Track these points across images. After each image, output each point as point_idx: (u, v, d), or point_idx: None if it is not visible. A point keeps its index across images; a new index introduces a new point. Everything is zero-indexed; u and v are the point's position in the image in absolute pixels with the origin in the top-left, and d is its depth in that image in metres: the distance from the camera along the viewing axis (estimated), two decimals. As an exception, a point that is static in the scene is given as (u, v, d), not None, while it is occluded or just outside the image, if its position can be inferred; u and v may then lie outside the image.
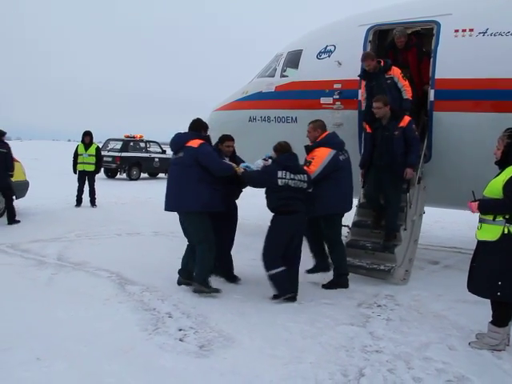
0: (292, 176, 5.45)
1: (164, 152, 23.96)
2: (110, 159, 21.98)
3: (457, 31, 6.81)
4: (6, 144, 9.75)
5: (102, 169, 18.30)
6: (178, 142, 5.70)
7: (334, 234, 6.19)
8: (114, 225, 9.80)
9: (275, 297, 5.44)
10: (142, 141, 23.22)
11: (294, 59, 8.44)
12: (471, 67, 6.72)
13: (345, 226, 6.73)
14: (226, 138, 6.02)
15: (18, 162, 10.89)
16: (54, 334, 4.34)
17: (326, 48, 7.97)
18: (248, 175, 5.65)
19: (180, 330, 4.52)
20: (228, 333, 4.49)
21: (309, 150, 6.14)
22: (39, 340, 4.18)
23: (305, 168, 5.76)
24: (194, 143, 5.53)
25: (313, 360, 4.00)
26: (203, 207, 5.47)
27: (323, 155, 5.96)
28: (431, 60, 6.94)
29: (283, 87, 8.43)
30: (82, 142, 12.69)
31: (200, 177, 5.43)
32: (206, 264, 5.53)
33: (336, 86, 7.69)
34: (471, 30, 6.73)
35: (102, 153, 23.95)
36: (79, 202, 12.38)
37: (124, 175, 22.60)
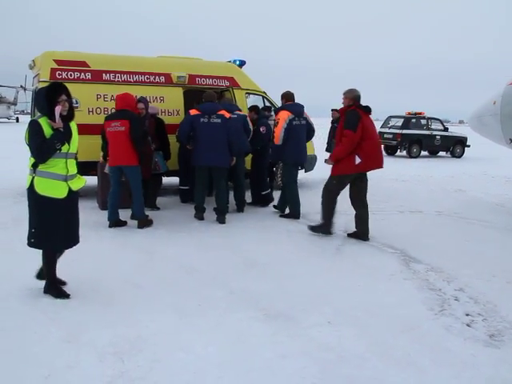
0: None
1: (446, 130, 23.08)
2: (390, 136, 22.11)
3: None
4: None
5: (382, 146, 18.60)
6: None
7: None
8: (396, 201, 9.89)
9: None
10: (423, 118, 22.72)
11: None
12: None
13: None
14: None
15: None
16: (342, 301, 4.58)
17: None
18: None
19: (467, 314, 4.34)
20: (522, 326, 4.15)
21: None
22: (329, 305, 4.46)
23: None
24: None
25: None
26: None
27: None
28: None
29: None
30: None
31: None
32: None
33: None
34: None
35: (383, 129, 24.19)
36: None
37: (404, 152, 22.48)
